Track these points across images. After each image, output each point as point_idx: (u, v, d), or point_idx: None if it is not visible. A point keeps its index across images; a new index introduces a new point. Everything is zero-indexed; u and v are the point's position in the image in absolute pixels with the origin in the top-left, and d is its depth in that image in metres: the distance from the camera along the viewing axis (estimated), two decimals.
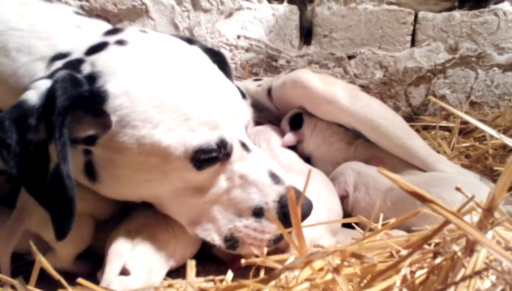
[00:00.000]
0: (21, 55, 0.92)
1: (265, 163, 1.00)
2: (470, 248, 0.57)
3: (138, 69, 0.89)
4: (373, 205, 1.35)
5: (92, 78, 0.87)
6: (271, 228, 0.96)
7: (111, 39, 0.95)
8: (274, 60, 2.50)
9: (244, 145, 0.99)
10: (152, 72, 0.90)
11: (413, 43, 2.39)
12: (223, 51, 2.46)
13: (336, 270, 0.61)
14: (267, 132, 1.65)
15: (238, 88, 1.85)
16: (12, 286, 0.80)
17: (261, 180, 0.97)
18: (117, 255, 0.90)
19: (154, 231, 0.99)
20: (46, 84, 0.84)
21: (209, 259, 1.09)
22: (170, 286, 0.87)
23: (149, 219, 1.03)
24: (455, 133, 2.06)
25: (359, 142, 1.64)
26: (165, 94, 0.89)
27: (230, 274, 0.87)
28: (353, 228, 1.11)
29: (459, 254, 0.58)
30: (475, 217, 0.64)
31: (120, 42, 0.94)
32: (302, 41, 2.52)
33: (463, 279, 0.53)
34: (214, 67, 1.03)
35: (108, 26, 1.04)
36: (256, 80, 2.06)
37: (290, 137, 1.64)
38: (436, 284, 0.56)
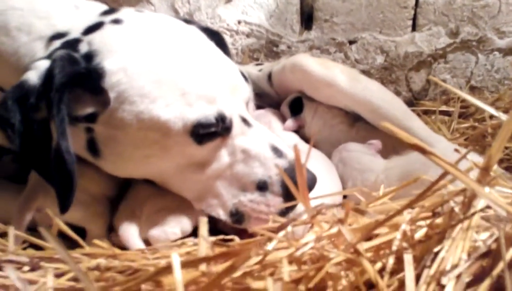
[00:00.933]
0: (21, 34, 0.94)
1: (267, 137, 1.01)
2: (468, 204, 0.58)
3: (134, 45, 0.91)
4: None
5: (89, 56, 0.89)
6: (275, 201, 0.96)
7: (107, 18, 0.97)
8: (275, 46, 2.50)
9: (244, 120, 1.00)
10: (148, 48, 0.92)
11: (414, 27, 2.40)
12: (224, 36, 2.46)
13: (341, 220, 0.63)
14: (268, 116, 1.66)
15: (240, 71, 1.87)
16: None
17: (263, 154, 0.98)
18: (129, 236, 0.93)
19: (159, 202, 1.01)
20: (45, 64, 0.86)
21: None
22: (183, 244, 0.88)
23: (151, 192, 1.04)
24: (455, 117, 2.07)
25: (360, 125, 1.64)
26: (161, 69, 0.90)
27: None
28: None
29: (457, 209, 0.59)
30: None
31: (116, 21, 0.96)
32: (303, 26, 2.52)
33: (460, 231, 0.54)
34: (212, 44, 1.04)
35: (105, 7, 1.06)
36: (257, 64, 2.07)
37: (291, 123, 1.65)
38: (434, 238, 0.58)
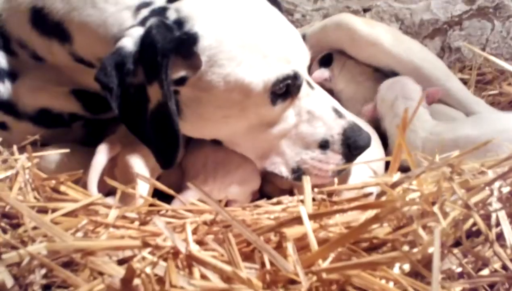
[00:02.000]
0: (108, 5, 0.95)
1: (328, 100, 1.08)
2: None
3: (220, 12, 0.96)
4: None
5: (180, 23, 0.92)
6: (335, 158, 1.03)
7: None
8: (290, 14, 2.49)
9: (309, 83, 1.06)
10: (232, 15, 0.97)
11: None
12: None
13: (450, 178, 0.65)
14: None
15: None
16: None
17: (326, 115, 1.04)
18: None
19: (227, 165, 1.04)
20: (139, 31, 0.89)
21: None
22: (279, 202, 0.91)
23: (218, 156, 1.07)
24: (471, 84, 2.09)
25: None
26: (245, 35, 0.95)
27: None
28: None
29: None
30: None
31: None
32: None
33: None
34: (277, 11, 1.08)
35: None
36: None
37: (321, 72, 1.68)
38: None
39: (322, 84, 1.61)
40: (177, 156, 0.93)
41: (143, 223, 0.78)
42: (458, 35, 2.42)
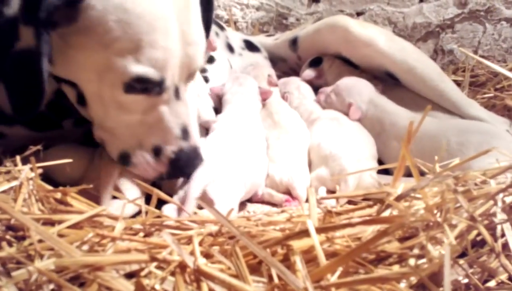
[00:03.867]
0: None
1: (183, 118, 1.04)
2: None
3: None
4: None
5: None
6: (161, 168, 1.03)
7: None
8: (284, 18, 2.51)
9: (177, 92, 1.02)
10: None
11: None
12: (234, 10, 2.46)
13: (455, 190, 0.66)
14: (296, 81, 1.69)
15: (251, 42, 1.90)
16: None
17: (172, 129, 1.02)
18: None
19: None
20: None
21: None
22: (283, 211, 0.91)
23: None
24: (465, 86, 2.11)
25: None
26: (134, 14, 0.90)
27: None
28: None
29: None
30: None
31: None
32: None
33: None
34: (195, 10, 1.03)
35: None
36: (268, 36, 2.10)
37: (308, 72, 1.71)
38: None
39: (311, 82, 1.68)
40: (40, 103, 0.91)
41: (147, 234, 0.78)
42: (450, 38, 2.44)
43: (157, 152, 1.02)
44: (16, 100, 0.91)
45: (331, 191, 1.20)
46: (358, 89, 1.50)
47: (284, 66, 1.90)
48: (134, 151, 1.02)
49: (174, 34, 0.96)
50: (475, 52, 2.45)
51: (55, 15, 0.87)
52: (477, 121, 1.43)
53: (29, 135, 1.07)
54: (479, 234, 0.71)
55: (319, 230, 0.65)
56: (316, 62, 1.74)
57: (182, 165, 1.03)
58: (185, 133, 1.03)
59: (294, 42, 1.82)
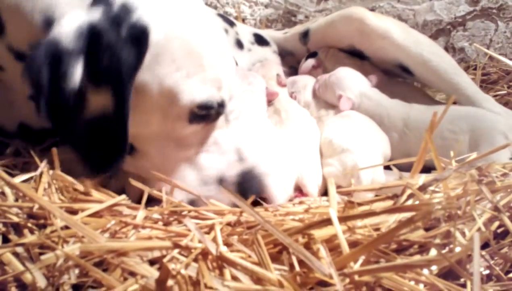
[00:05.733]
0: None
1: (237, 139, 1.03)
2: None
3: (170, 6, 0.88)
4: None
5: (127, 10, 0.82)
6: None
7: None
8: (293, 16, 2.51)
9: (226, 114, 1.02)
10: (183, 13, 0.90)
11: None
12: (243, 7, 2.47)
13: (479, 181, 0.66)
14: (303, 79, 1.69)
15: (261, 36, 1.91)
16: None
17: (228, 154, 1.00)
18: None
19: None
20: (78, 19, 0.80)
21: None
22: (301, 202, 0.91)
23: None
24: (476, 84, 2.10)
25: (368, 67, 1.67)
26: (193, 40, 0.89)
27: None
28: None
29: None
30: None
31: None
32: None
33: None
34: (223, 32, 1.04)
35: None
36: (277, 30, 2.10)
37: (308, 62, 1.72)
38: None
39: (311, 74, 1.69)
40: (121, 161, 0.85)
41: (166, 223, 0.78)
42: (461, 36, 2.44)
43: (221, 181, 0.98)
44: (92, 164, 0.85)
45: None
46: (349, 82, 1.50)
47: (292, 60, 1.89)
48: (199, 193, 0.94)
49: (224, 52, 0.96)
50: (487, 49, 2.44)
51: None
52: (465, 107, 1.42)
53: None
54: (500, 226, 0.71)
55: (341, 219, 0.65)
56: (313, 55, 1.75)
57: (248, 186, 0.98)
58: (239, 155, 1.01)
59: (305, 34, 1.81)
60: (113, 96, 0.78)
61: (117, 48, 0.77)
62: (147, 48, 0.82)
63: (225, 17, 1.93)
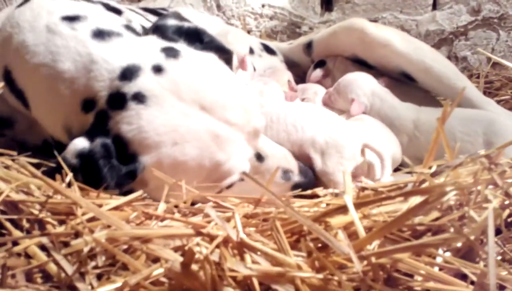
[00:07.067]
0: (59, 98, 0.99)
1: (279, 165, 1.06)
2: None
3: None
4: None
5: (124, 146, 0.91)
6: None
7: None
8: (297, 27, 2.55)
9: (259, 156, 1.04)
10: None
11: (434, 6, 2.47)
12: (248, 20, 2.51)
13: (490, 168, 0.68)
14: (314, 87, 1.73)
15: (268, 45, 1.95)
16: None
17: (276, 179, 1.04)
18: None
19: None
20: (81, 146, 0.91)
21: None
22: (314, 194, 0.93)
23: None
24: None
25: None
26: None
27: None
28: None
29: None
30: None
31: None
32: (324, 7, 2.57)
33: None
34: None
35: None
36: (282, 41, 2.16)
37: (316, 73, 1.78)
38: None
39: (321, 84, 1.75)
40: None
41: (184, 214, 0.80)
42: (464, 45, 2.47)
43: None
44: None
45: None
46: (359, 83, 1.53)
47: (298, 71, 1.93)
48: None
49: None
50: (489, 59, 2.47)
51: None
52: (475, 110, 1.45)
53: None
54: (510, 215, 0.73)
55: (357, 206, 0.67)
56: (320, 64, 1.80)
57: None
58: (286, 173, 1.07)
59: (308, 46, 1.87)
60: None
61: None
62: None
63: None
